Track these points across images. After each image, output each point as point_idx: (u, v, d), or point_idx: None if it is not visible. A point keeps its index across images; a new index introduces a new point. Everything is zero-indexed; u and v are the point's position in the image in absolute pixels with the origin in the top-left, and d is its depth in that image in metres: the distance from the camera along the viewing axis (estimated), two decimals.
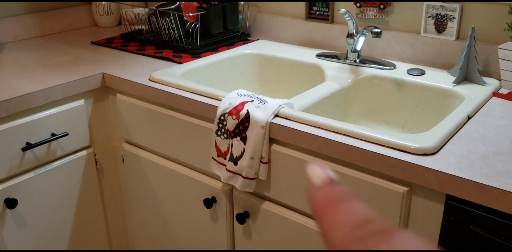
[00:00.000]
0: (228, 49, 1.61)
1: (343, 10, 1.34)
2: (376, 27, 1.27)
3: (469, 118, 1.10)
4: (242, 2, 1.70)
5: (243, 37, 1.71)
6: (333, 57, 1.48)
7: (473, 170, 0.89)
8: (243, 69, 1.60)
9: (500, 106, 1.15)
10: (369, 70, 1.39)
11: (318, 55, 1.51)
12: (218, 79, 1.53)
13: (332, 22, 1.56)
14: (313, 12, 1.59)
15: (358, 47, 1.39)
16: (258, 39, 1.72)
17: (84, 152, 1.43)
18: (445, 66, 1.39)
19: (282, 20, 1.66)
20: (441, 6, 1.35)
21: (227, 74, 1.56)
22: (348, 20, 1.37)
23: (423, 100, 1.32)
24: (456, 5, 1.32)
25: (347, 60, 1.44)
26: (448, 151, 0.96)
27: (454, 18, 1.34)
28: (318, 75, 1.46)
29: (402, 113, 1.36)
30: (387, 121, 1.40)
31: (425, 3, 1.37)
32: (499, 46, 1.17)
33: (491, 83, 1.26)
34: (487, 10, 1.30)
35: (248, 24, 1.74)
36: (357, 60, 1.43)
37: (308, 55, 1.53)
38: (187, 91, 1.28)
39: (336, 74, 1.39)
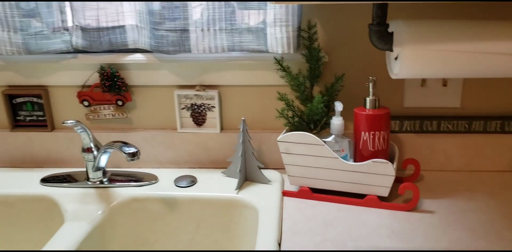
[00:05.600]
0: None
1: (70, 122, 0.93)
2: (128, 145, 0.89)
3: (279, 245, 0.81)
4: None
5: None
6: (67, 181, 1.03)
7: None
8: None
9: (298, 212, 0.91)
10: (124, 192, 1.00)
11: (44, 180, 1.04)
12: None
13: (53, 128, 1.12)
14: (21, 118, 1.12)
15: (103, 164, 0.99)
16: None
17: None
18: (215, 163, 1.11)
19: None
20: (196, 95, 1.07)
21: None
22: (81, 132, 0.96)
23: (204, 217, 1.00)
24: (214, 92, 1.06)
25: (89, 182, 1.02)
26: None
27: (214, 107, 1.08)
28: (51, 212, 0.99)
29: (181, 239, 1.02)
30: None
31: (176, 92, 1.07)
32: (279, 139, 0.94)
33: (273, 178, 1.04)
34: (244, 96, 1.08)
35: None
36: (104, 180, 1.02)
37: (26, 182, 1.05)
38: None
39: (79, 207, 0.96)
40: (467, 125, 1.06)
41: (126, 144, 0.89)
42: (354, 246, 0.79)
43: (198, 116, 1.10)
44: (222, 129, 1.10)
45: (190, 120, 1.10)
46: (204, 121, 1.10)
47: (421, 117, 1.06)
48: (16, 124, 1.13)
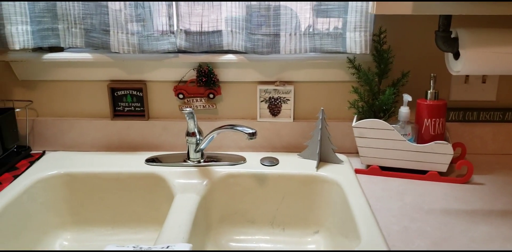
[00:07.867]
0: (14, 179, 1.15)
1: (188, 109, 1.11)
2: (241, 126, 1.08)
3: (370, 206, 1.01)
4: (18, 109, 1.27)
5: (24, 154, 1.27)
6: (167, 161, 1.21)
7: None
8: (45, 200, 1.17)
9: (374, 185, 1.11)
10: (220, 169, 1.18)
11: (149, 161, 1.22)
12: (13, 225, 1.07)
13: (149, 118, 1.30)
14: (121, 108, 1.29)
15: (204, 146, 1.17)
16: (44, 152, 1.30)
17: None
18: (287, 148, 1.30)
19: (77, 123, 1.30)
20: (274, 89, 1.26)
21: (24, 213, 1.11)
22: (189, 119, 1.14)
23: (288, 191, 1.19)
24: (291, 87, 1.26)
25: (189, 162, 1.20)
26: None
27: (289, 100, 1.27)
28: (159, 186, 1.17)
29: (268, 209, 1.20)
30: (253, 222, 1.21)
31: (258, 87, 1.26)
32: (354, 125, 1.14)
33: (343, 159, 1.23)
34: (314, 90, 1.27)
35: (25, 133, 1.31)
36: (201, 160, 1.20)
37: (132, 162, 1.22)
38: None
39: (186, 182, 1.14)
40: (501, 115, 1.27)
41: (235, 125, 1.08)
42: (429, 209, 0.99)
43: (274, 108, 1.29)
44: (294, 118, 1.29)
45: (267, 111, 1.29)
46: (279, 112, 1.29)
47: (464, 109, 1.27)
48: (115, 114, 1.30)
